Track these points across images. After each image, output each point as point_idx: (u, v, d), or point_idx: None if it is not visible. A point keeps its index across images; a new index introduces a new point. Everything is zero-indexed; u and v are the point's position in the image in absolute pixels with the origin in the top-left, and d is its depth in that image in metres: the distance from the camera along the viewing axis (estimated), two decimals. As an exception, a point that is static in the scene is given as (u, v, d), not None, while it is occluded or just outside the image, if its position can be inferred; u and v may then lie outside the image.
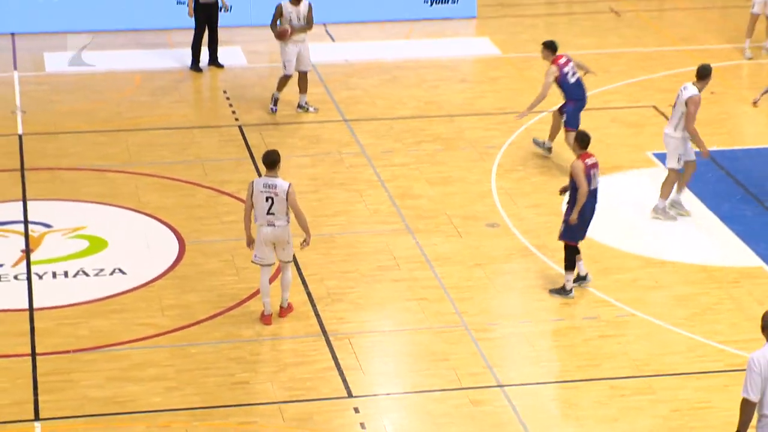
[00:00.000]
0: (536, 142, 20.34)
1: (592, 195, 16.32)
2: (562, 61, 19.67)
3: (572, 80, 19.68)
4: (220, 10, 23.63)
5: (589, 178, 16.22)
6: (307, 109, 21.93)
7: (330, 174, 19.81)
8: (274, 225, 15.56)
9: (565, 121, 19.70)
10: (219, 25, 23.67)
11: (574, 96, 19.69)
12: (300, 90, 21.80)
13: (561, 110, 19.77)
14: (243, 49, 24.89)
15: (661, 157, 20.21)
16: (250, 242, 15.78)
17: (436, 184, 19.47)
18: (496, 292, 16.81)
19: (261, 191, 15.51)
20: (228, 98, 22.66)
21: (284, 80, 21.57)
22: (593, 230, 17.85)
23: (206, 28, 23.53)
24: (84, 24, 25.55)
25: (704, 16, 26.52)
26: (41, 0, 25.53)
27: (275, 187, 15.48)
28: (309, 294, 16.53)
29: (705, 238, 18.11)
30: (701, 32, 25.71)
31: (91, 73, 23.80)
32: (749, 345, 15.47)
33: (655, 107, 22.12)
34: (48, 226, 18.11)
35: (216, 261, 17.31)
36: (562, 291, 16.51)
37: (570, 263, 16.49)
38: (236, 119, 21.77)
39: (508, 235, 18.08)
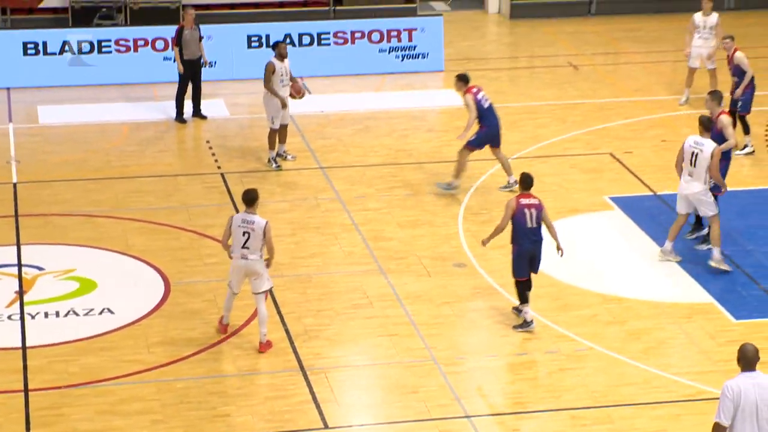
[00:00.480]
0: (440, 186, 20.65)
1: (531, 233, 16.26)
2: (474, 90, 20.25)
3: (486, 105, 20.24)
4: (203, 66, 23.65)
5: (524, 217, 16.19)
6: (286, 157, 21.92)
7: (306, 218, 19.78)
8: (247, 258, 15.70)
9: (470, 141, 20.22)
10: (202, 79, 23.67)
11: (487, 122, 20.22)
12: (279, 140, 21.80)
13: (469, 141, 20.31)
14: (225, 101, 24.88)
15: (618, 201, 20.27)
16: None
17: (407, 227, 19.45)
18: (464, 328, 16.76)
19: (239, 226, 15.69)
20: (211, 147, 22.62)
21: (273, 135, 21.56)
22: (555, 269, 17.87)
23: (190, 81, 23.53)
24: (76, 79, 25.52)
25: (656, 69, 26.64)
26: (35, 57, 25.50)
27: (253, 223, 15.65)
28: (287, 331, 16.45)
29: (659, 276, 18.11)
30: (653, 84, 25.81)
31: (81, 125, 23.75)
32: (701, 377, 15.48)
33: (611, 154, 22.17)
34: (40, 268, 18.01)
35: (199, 300, 17.23)
36: (524, 324, 16.48)
37: (522, 297, 16.49)
38: (218, 167, 21.73)
39: (475, 275, 18.05)
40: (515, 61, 27.86)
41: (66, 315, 16.81)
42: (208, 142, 22.89)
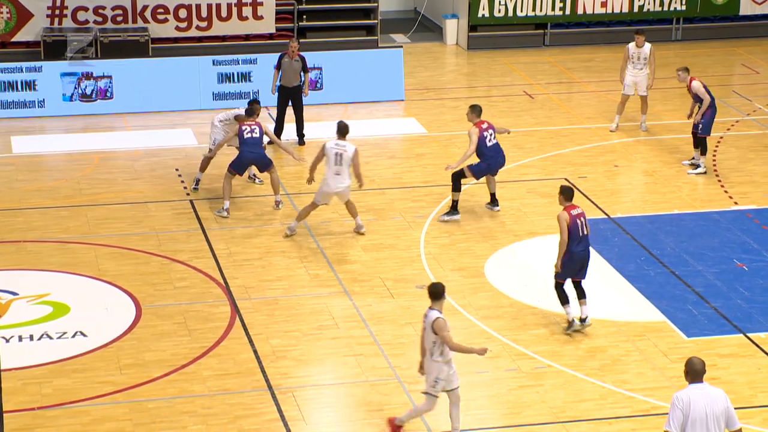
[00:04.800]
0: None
1: (585, 240, 16.83)
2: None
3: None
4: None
5: (577, 226, 16.69)
6: (254, 180, 21.88)
7: (273, 243, 19.69)
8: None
9: (470, 166, 20.35)
10: (175, 108, 23.55)
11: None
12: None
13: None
14: (193, 130, 24.78)
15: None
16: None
17: (370, 251, 19.39)
18: (426, 347, 16.69)
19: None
20: (180, 175, 22.51)
21: (207, 161, 21.52)
22: (514, 290, 17.88)
23: (286, 107, 23.91)
24: (49, 110, 25.38)
25: (607, 97, 26.73)
26: (9, 92, 25.36)
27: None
28: (255, 352, 16.35)
29: (613, 295, 18.13)
30: (605, 112, 25.88)
31: (53, 154, 23.60)
32: (655, 392, 15.50)
33: (566, 179, 22.21)
34: (14, 293, 17.84)
35: (170, 323, 17.10)
36: (569, 325, 16.97)
37: (562, 297, 16.96)
38: (187, 194, 21.62)
39: (436, 296, 17.99)
40: (473, 90, 27.90)
41: (40, 338, 16.65)
42: (177, 170, 22.78)
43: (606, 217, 20.72)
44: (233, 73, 26.10)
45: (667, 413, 12.05)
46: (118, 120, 25.31)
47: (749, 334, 16.93)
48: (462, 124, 25.06)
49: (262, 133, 20.62)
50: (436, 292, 14.13)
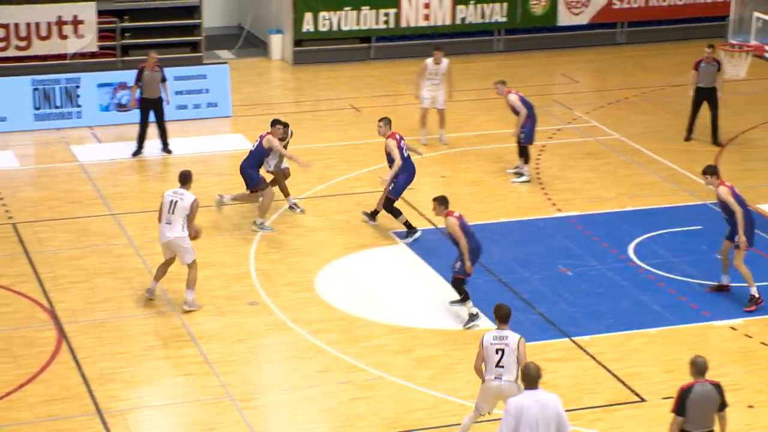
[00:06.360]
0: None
1: (473, 236, 17.53)
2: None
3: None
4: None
5: (466, 227, 17.49)
6: (295, 209, 21.51)
7: (99, 264, 19.35)
8: (500, 378, 13.88)
9: (395, 194, 20.55)
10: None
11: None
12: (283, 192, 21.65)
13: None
14: (15, 152, 24.24)
15: (402, 236, 20.39)
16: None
17: (199, 269, 19.11)
18: (257, 364, 16.61)
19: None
20: (2, 198, 21.97)
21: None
22: (344, 302, 17.90)
23: (149, 119, 23.79)
24: None
25: (433, 109, 26.88)
26: None
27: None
28: (83, 375, 16.03)
29: (442, 305, 18.26)
30: (429, 124, 26.08)
31: None
32: (485, 398, 15.63)
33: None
34: None
35: (-7, 350, 16.68)
36: (470, 318, 17.47)
37: (464, 295, 17.53)
38: (10, 217, 21.11)
39: (267, 312, 17.92)
40: (300, 105, 27.89)
41: None
42: (-1, 193, 22.25)
43: (434, 227, 20.88)
44: (55, 93, 25.59)
45: (498, 419, 12.18)
46: (-65, 143, 24.60)
47: (574, 338, 17.24)
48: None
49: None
50: (509, 314, 13.93)
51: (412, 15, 30.99)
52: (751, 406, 15.59)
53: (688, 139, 25.17)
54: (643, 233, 20.69)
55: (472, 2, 31.09)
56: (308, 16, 30.37)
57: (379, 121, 20.85)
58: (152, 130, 24.21)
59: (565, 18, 31.93)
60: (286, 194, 21.54)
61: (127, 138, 24.50)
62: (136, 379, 16.09)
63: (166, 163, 23.95)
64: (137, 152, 24.05)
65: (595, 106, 27.45)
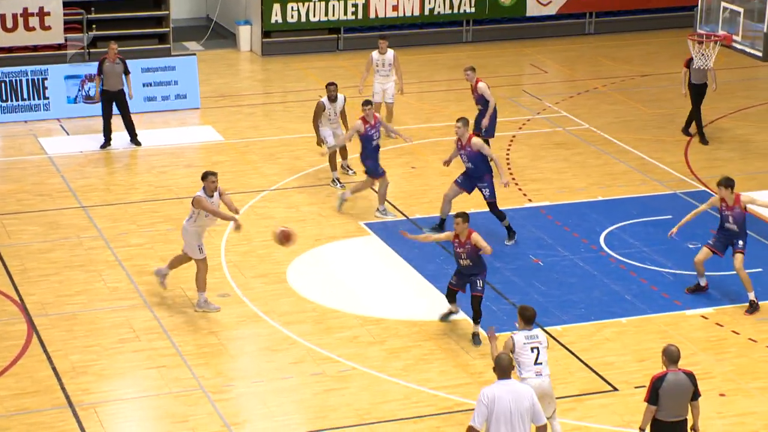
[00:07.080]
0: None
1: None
2: (372, 122, 20.69)
3: (374, 143, 20.73)
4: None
5: None
6: (347, 171, 22.66)
7: (70, 257, 19.26)
8: (542, 374, 14.00)
9: (366, 171, 20.88)
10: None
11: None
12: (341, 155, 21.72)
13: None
14: (-18, 145, 24.14)
15: (373, 227, 20.40)
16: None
17: (167, 261, 19.09)
18: (230, 356, 16.57)
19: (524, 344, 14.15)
20: (-30, 191, 21.87)
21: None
22: (316, 294, 17.88)
23: (111, 111, 23.62)
24: None
25: (403, 99, 26.80)
26: None
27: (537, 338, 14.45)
28: (54, 368, 15.96)
29: (414, 296, 18.28)
30: (401, 114, 26.04)
31: None
32: (459, 389, 15.67)
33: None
34: None
35: (-37, 344, 16.57)
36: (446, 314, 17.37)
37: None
38: (-21, 210, 21.03)
39: (239, 303, 17.89)
40: (269, 96, 27.82)
41: None
42: (-34, 185, 22.11)
43: (405, 218, 20.88)
44: (22, 85, 25.43)
45: (470, 410, 12.20)
46: None
47: (546, 328, 17.27)
48: (259, 131, 25.07)
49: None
50: (534, 316, 14.03)
51: (380, 6, 30.97)
52: (722, 395, 15.68)
53: (702, 137, 24.84)
54: (613, 223, 20.76)
55: (440, -7, 31.12)
56: (276, 7, 30.29)
57: (457, 121, 20.02)
58: (119, 122, 24.10)
59: (533, 8, 31.98)
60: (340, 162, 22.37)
61: (95, 130, 24.40)
62: (108, 372, 16.03)
63: (135, 155, 23.85)
64: (105, 144, 23.94)
65: (564, 96, 27.52)
